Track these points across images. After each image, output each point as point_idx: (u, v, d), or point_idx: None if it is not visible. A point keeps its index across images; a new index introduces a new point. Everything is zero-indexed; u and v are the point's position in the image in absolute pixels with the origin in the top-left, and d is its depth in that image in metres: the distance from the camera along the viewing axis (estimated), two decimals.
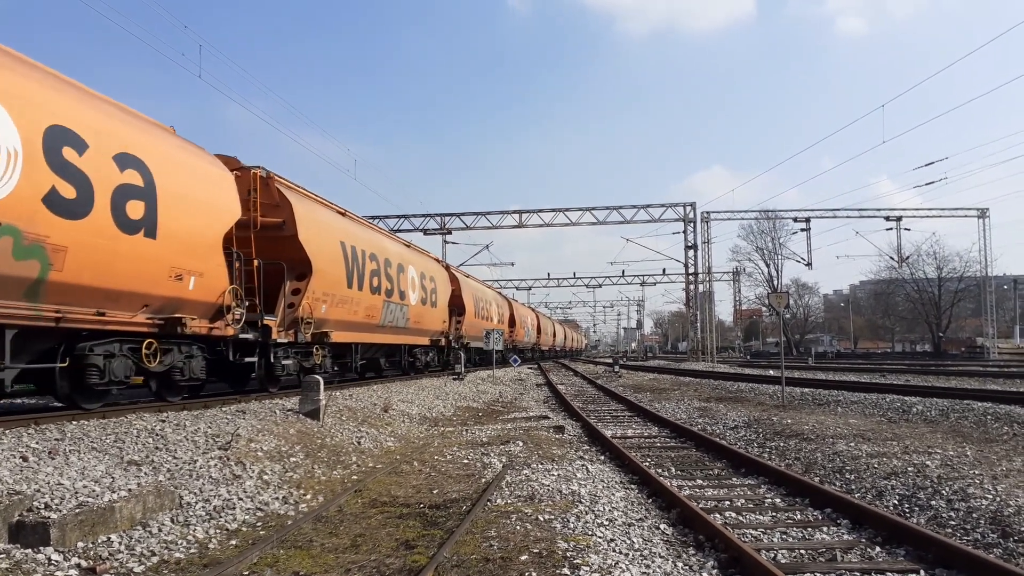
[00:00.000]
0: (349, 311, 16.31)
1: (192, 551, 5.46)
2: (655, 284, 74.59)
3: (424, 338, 24.49)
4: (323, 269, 14.89)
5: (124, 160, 9.33)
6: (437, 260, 28.78)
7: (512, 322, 44.95)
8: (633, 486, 8.17)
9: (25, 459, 6.58)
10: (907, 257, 60.81)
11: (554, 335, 72.85)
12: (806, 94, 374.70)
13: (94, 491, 5.94)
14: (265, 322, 13.02)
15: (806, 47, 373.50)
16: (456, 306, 28.75)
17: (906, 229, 52.46)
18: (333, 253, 15.63)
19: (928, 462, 8.40)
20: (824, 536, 6.12)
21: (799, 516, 6.82)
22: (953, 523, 6.32)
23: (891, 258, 58.29)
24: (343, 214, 17.66)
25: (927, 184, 45.35)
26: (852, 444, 10.03)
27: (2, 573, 4.57)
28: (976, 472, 7.74)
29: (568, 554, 5.34)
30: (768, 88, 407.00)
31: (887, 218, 51.08)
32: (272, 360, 13.92)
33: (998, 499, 6.64)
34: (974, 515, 6.37)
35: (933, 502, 6.92)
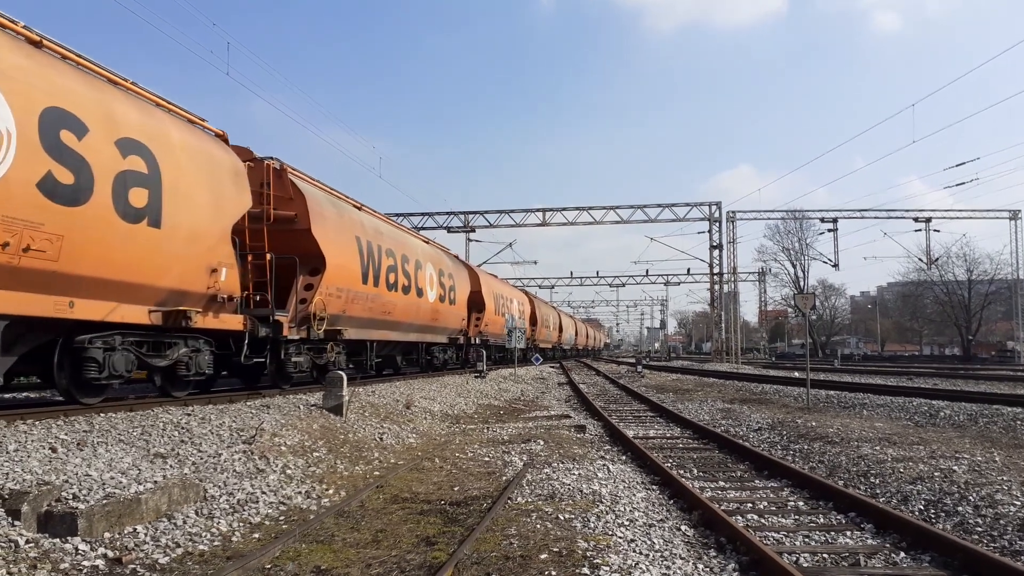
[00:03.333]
0: (364, 307, 16.08)
1: (216, 544, 5.53)
2: (679, 284, 74.06)
3: (442, 336, 23.70)
4: (337, 264, 14.49)
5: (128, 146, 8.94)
6: (456, 257, 27.59)
7: (534, 320, 42.82)
8: (654, 487, 8.15)
9: (54, 450, 6.70)
10: (936, 259, 59.90)
11: (576, 333, 70.40)
12: (837, 92, 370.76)
13: (121, 483, 6.03)
14: (276, 318, 12.38)
15: (838, 43, 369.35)
16: (476, 303, 27.62)
17: (935, 230, 51.84)
18: (348, 248, 15.34)
19: (955, 467, 8.28)
20: (847, 540, 6.05)
21: (822, 520, 6.76)
22: (980, 530, 6.22)
23: (920, 260, 57.51)
24: (359, 208, 17.35)
25: (958, 185, 44.78)
26: (877, 448, 9.92)
27: (31, 562, 4.66)
28: (1004, 478, 7.61)
29: (588, 554, 5.33)
30: (798, 85, 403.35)
31: (916, 219, 50.37)
32: (283, 357, 13.25)
33: None
34: (1001, 522, 6.27)
35: (960, 508, 6.82)
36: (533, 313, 43.30)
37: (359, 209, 17.26)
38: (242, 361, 11.90)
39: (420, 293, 19.92)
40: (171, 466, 6.92)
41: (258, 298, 12.23)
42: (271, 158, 13.57)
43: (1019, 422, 11.96)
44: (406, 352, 21.36)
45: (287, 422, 9.73)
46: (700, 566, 5.27)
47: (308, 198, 13.77)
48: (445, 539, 5.76)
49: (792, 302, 74.83)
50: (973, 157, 78.70)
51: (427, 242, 23.99)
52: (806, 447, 10.68)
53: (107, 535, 5.31)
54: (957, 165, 54.78)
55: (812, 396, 17.46)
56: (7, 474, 5.76)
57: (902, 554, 5.62)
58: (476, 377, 24.61)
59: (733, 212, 52.76)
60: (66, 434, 7.43)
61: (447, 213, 48.97)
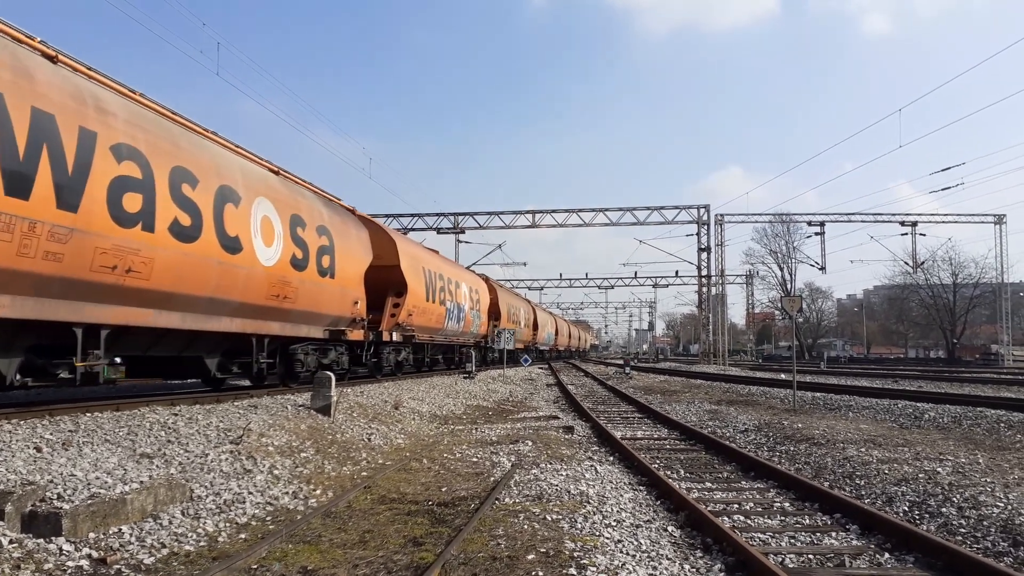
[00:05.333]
0: (26, 250, 7.72)
1: (202, 544, 5.50)
2: (668, 286, 74.37)
3: (312, 327, 14.70)
4: None
5: None
6: (353, 211, 17.86)
7: (496, 313, 33.67)
8: (642, 488, 8.17)
9: (39, 450, 6.65)
10: (922, 262, 60.40)
11: (556, 332, 62.41)
12: (828, 95, 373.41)
13: (106, 483, 6.00)
14: None
15: (829, 46, 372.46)
16: (392, 283, 19.11)
17: (921, 234, 52.09)
18: None
19: (939, 469, 8.35)
20: (833, 541, 6.09)
21: (808, 521, 6.80)
22: (963, 531, 6.28)
23: (906, 263, 57.98)
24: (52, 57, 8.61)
25: (944, 189, 45.12)
26: (863, 449, 9.99)
27: (15, 562, 4.63)
28: (988, 480, 7.69)
29: (575, 554, 5.34)
30: (789, 88, 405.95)
31: (902, 223, 50.74)
32: None
33: (1010, 507, 6.60)
34: (985, 523, 6.33)
35: (944, 509, 6.88)
36: (495, 304, 33.58)
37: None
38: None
39: (234, 246, 11.11)
40: (157, 466, 6.88)
41: None
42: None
43: (1002, 424, 12.07)
44: (231, 351, 12.58)
45: (275, 422, 9.70)
46: (687, 567, 5.29)
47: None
48: (432, 540, 5.75)
49: (779, 305, 75.22)
50: (959, 162, 79.44)
51: (279, 172, 13.87)
52: (792, 448, 10.74)
53: (92, 535, 5.28)
54: (943, 170, 55.01)
55: (798, 398, 17.56)
56: None
57: (887, 555, 5.66)
58: (465, 378, 24.64)
59: (721, 215, 53.04)
60: (51, 434, 7.38)
61: (437, 214, 48.96)
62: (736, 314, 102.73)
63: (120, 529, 5.50)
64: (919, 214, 51.43)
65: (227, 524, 6.03)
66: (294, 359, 14.59)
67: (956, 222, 54.43)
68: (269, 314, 12.79)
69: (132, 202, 9.08)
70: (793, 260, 74.89)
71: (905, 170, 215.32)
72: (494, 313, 33.54)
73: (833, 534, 6.29)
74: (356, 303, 16.33)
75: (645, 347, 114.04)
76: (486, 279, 35.41)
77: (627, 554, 5.48)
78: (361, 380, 18.26)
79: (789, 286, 77.01)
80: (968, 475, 7.97)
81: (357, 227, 17.17)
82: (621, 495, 7.58)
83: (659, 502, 7.46)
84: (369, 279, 17.03)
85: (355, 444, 10.14)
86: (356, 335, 16.78)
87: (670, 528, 6.38)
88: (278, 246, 12.65)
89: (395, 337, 19.67)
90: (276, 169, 13.81)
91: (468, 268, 35.74)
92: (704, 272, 50.65)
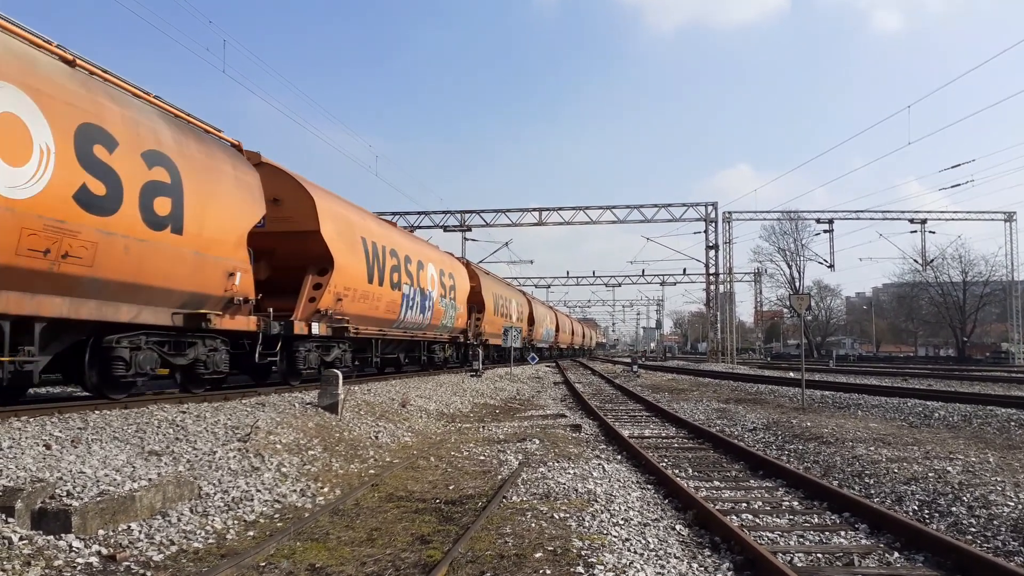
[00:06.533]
0: None
1: (210, 541, 5.52)
2: (675, 284, 74.29)
3: (148, 309, 9.75)
4: None
5: None
6: (235, 144, 12.49)
7: (480, 304, 29.16)
8: (649, 486, 8.15)
9: (48, 447, 6.69)
10: (931, 260, 60.07)
11: (557, 329, 57.63)
12: (837, 91, 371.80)
13: (115, 480, 6.02)
14: None
15: (839, 42, 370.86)
16: (310, 255, 14.10)
17: (931, 232, 51.75)
18: None
19: (949, 468, 8.30)
20: (842, 540, 6.06)
21: (817, 520, 6.77)
22: (973, 530, 6.24)
23: (915, 261, 57.69)
24: None
25: (953, 187, 44.65)
26: (872, 448, 9.94)
27: (25, 559, 4.65)
28: (998, 479, 7.63)
29: (583, 552, 5.34)
30: (798, 85, 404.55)
31: (911, 220, 50.43)
32: None
33: (1020, 506, 6.56)
34: (995, 522, 6.29)
35: (954, 508, 6.84)
36: (476, 293, 28.50)
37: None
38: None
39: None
40: (165, 464, 6.91)
41: None
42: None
43: (1013, 423, 11.99)
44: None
45: (282, 420, 9.72)
46: (695, 565, 5.28)
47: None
48: (440, 537, 5.75)
49: (788, 303, 74.99)
50: (969, 159, 79.00)
51: (75, 62, 8.89)
52: (801, 447, 10.70)
53: (101, 532, 5.30)
54: (953, 167, 54.62)
55: (807, 396, 17.49)
56: (0, 471, 5.74)
57: (896, 554, 5.63)
58: (472, 376, 24.66)
59: (729, 212, 52.79)
60: (60, 431, 7.42)
61: (443, 212, 48.95)
62: (744, 312, 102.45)
63: (129, 526, 5.52)
64: (928, 211, 51.31)
65: (235, 521, 6.05)
66: (113, 357, 9.55)
67: (966, 220, 54.14)
68: (33, 283, 7.88)
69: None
70: (801, 258, 74.55)
71: (914, 167, 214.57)
72: (476, 304, 28.62)
73: (842, 533, 6.26)
74: (232, 275, 11.21)
75: (653, 345, 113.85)
76: (466, 263, 29.87)
77: (635, 552, 5.46)
78: (369, 378, 18.25)
79: (798, 284, 76.72)
80: (978, 474, 7.92)
81: (237, 165, 11.83)
82: (629, 494, 7.57)
83: (667, 501, 7.44)
84: (274, 249, 13.07)
85: (362, 442, 10.16)
86: (237, 323, 11.61)
87: (678, 527, 6.37)
88: (42, 168, 7.76)
89: (317, 330, 14.09)
90: (71, 58, 8.90)
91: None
92: (712, 270, 50.50)
